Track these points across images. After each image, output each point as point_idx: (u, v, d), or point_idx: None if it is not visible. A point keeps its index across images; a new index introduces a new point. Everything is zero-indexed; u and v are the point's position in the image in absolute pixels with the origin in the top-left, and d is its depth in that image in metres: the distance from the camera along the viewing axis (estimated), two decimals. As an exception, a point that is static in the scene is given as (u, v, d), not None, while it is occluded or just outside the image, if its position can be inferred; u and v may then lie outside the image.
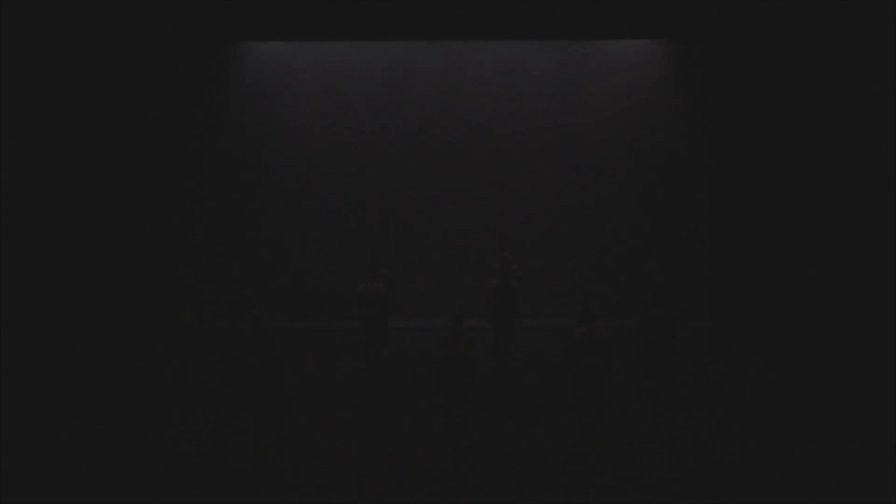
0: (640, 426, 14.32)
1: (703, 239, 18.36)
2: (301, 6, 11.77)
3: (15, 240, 13.19)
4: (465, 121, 18.55)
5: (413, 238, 18.76)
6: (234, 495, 12.40)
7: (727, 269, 18.06)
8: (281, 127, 18.54)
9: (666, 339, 14.97)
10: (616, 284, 18.36)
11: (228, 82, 18.43)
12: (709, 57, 17.89)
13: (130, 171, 17.29)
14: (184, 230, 18.49)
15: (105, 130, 16.20)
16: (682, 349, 15.66)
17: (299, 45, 18.27)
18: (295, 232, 18.75)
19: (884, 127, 13.68)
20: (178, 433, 14.11)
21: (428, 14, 12.07)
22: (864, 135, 13.91)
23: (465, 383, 13.47)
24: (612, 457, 13.42)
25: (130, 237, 16.90)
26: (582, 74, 18.50)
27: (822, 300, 14.26)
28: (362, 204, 18.69)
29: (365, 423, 14.55)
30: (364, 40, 17.72)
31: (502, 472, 12.95)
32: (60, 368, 13.73)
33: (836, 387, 14.41)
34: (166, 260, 18.10)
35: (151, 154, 17.73)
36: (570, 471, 13.10)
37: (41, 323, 13.52)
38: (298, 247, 18.78)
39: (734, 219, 17.97)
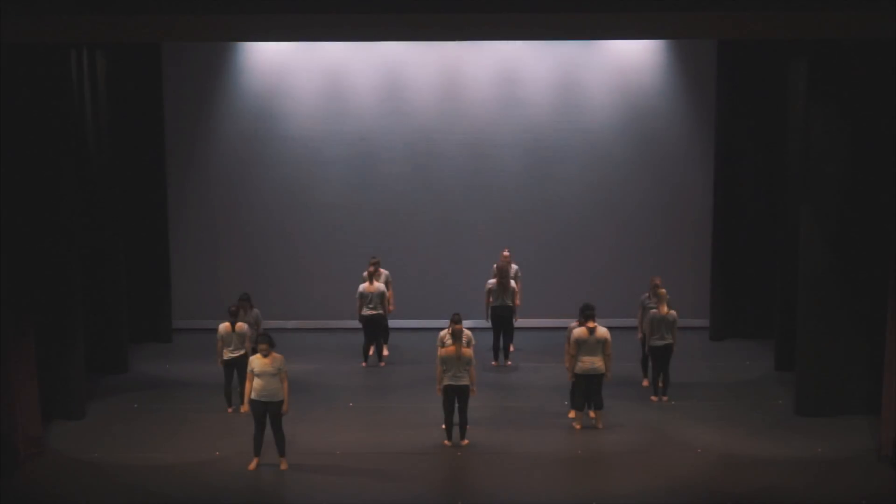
0: (638, 424, 14.32)
1: (704, 239, 18.34)
2: (301, 6, 11.79)
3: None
4: (465, 121, 18.52)
5: (413, 238, 18.75)
6: (234, 495, 12.39)
7: (727, 268, 18.05)
8: (281, 127, 18.52)
9: (664, 339, 14.98)
10: (616, 284, 18.33)
11: (228, 82, 18.42)
12: (710, 57, 17.89)
13: (128, 170, 17.30)
14: (183, 230, 18.48)
15: (104, 130, 16.21)
16: (682, 349, 15.66)
17: (299, 45, 18.26)
18: (295, 232, 18.73)
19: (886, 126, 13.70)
20: (178, 432, 14.12)
21: (427, 15, 12.10)
22: (867, 134, 13.91)
23: (464, 384, 13.48)
24: (611, 455, 13.43)
25: (124, 236, 16.86)
26: (582, 74, 18.47)
27: (822, 299, 14.24)
28: (362, 204, 18.67)
29: (365, 422, 14.54)
30: (364, 41, 17.70)
31: (502, 473, 12.94)
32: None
33: (835, 385, 14.41)
34: (163, 259, 18.09)
35: (149, 154, 17.74)
36: (570, 470, 13.10)
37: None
38: (298, 247, 18.76)
39: (734, 219, 17.96)
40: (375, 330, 16.84)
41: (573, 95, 18.51)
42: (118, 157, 16.64)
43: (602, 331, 14.02)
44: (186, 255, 18.59)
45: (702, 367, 16.66)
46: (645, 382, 15.75)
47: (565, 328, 14.53)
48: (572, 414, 14.38)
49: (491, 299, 16.73)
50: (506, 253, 17.14)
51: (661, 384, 15.23)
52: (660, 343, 14.99)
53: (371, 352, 16.97)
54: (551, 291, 18.55)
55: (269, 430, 12.94)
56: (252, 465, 12.98)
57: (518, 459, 13.25)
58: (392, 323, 17.55)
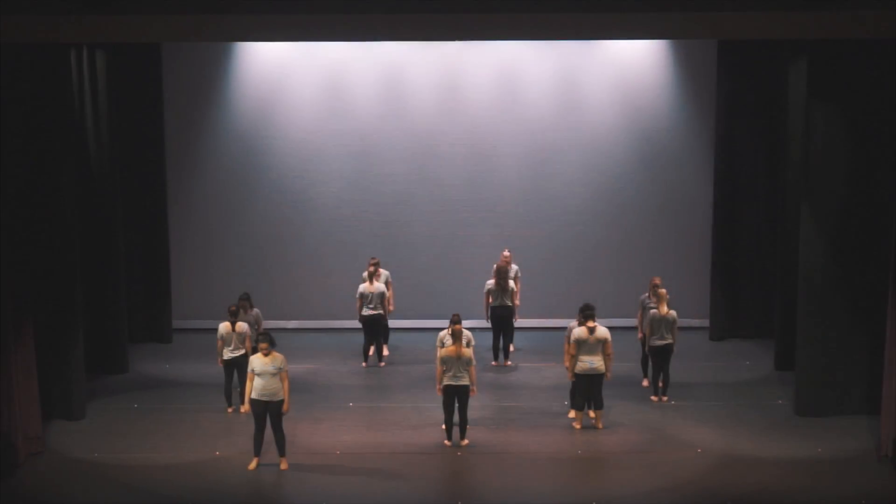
0: (638, 424, 14.32)
1: (704, 239, 18.33)
2: (301, 6, 11.80)
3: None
4: (465, 121, 18.52)
5: (413, 238, 18.74)
6: (234, 495, 12.39)
7: (727, 268, 18.05)
8: (281, 127, 18.51)
9: (664, 339, 14.97)
10: (616, 284, 18.33)
11: (228, 82, 18.41)
12: (711, 57, 17.88)
13: (128, 169, 17.29)
14: (182, 229, 18.47)
15: (104, 130, 16.21)
16: (682, 349, 15.65)
17: (299, 45, 18.25)
18: (295, 232, 18.72)
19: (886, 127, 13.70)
20: (178, 432, 14.12)
21: (427, 15, 12.11)
22: (867, 134, 13.90)
23: (464, 384, 13.48)
24: (611, 455, 13.43)
25: (124, 236, 16.85)
26: (582, 74, 18.47)
27: (822, 299, 14.23)
28: (362, 204, 18.66)
29: (365, 422, 14.54)
30: (364, 41, 17.69)
31: (502, 473, 12.94)
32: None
33: (835, 385, 14.41)
34: (163, 259, 18.08)
35: (149, 153, 17.73)
36: (570, 470, 13.10)
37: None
38: (298, 246, 18.76)
39: (734, 218, 17.96)
40: (375, 330, 16.83)
41: (573, 95, 18.51)
42: (118, 156, 16.64)
43: (602, 331, 14.02)
44: (186, 255, 18.59)
45: (702, 367, 16.66)
46: (645, 382, 15.75)
47: (565, 328, 14.53)
48: (572, 414, 14.38)
49: (490, 299, 16.72)
50: (506, 253, 17.14)
51: (661, 384, 15.22)
52: (660, 343, 14.98)
53: (371, 352, 16.97)
54: (551, 291, 18.54)
55: (269, 430, 12.94)
56: (252, 465, 12.97)
57: (518, 459, 13.25)
58: (392, 323, 17.55)
